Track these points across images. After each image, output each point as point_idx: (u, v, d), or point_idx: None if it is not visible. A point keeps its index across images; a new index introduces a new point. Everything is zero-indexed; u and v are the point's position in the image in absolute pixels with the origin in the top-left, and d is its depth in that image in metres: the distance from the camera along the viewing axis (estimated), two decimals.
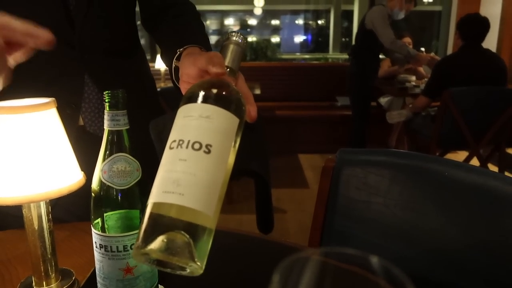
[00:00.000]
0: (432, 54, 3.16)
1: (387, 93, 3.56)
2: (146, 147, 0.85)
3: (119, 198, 0.50)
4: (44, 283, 0.54)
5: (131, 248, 0.49)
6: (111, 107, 0.48)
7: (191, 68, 0.58)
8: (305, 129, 3.86)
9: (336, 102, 4.01)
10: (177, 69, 0.66)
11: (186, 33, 0.80)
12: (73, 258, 0.64)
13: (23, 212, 0.53)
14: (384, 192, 0.89)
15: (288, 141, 3.86)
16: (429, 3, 6.75)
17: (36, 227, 0.53)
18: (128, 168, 0.49)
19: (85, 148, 0.64)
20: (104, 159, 0.48)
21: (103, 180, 0.48)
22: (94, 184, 0.49)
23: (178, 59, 0.67)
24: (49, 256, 0.55)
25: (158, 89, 2.33)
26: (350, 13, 7.39)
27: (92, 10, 0.81)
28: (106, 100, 0.48)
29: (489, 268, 0.77)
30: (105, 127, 0.49)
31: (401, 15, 3.10)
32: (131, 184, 0.49)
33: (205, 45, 0.72)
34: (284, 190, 3.01)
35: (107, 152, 0.48)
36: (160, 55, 0.86)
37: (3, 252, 0.68)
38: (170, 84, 2.46)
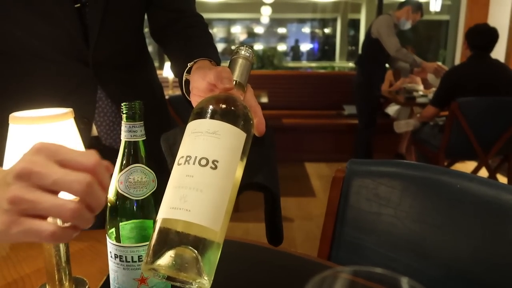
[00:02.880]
0: (438, 63, 3.16)
1: (395, 103, 3.56)
2: (159, 156, 0.85)
3: (135, 208, 0.50)
4: None
5: None
6: (128, 119, 0.49)
7: (201, 82, 0.59)
8: (312, 138, 3.86)
9: (343, 111, 4.01)
10: (187, 81, 0.68)
11: (196, 46, 0.80)
12: (85, 267, 0.64)
13: None
14: (395, 203, 0.89)
15: (294, 149, 3.86)
16: (436, 13, 6.76)
17: None
18: (145, 178, 0.49)
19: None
20: (120, 170, 0.49)
21: (119, 191, 0.49)
22: (110, 194, 0.50)
23: (189, 72, 0.68)
24: (64, 264, 0.55)
25: (167, 97, 2.34)
26: (357, 22, 7.41)
27: (106, 27, 0.82)
28: (124, 112, 0.49)
29: (500, 282, 0.77)
30: (122, 138, 0.50)
31: (408, 25, 3.11)
32: (147, 195, 0.50)
33: (215, 58, 0.74)
34: (291, 199, 3.00)
35: (124, 162, 0.49)
36: (170, 67, 0.87)
37: (17, 261, 0.69)
38: (178, 92, 2.48)
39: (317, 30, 8.72)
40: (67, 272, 0.56)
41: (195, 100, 0.61)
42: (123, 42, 0.89)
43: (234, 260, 0.71)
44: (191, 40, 0.84)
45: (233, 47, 8.18)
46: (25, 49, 0.81)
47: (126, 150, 0.49)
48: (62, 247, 0.54)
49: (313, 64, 7.95)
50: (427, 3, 5.41)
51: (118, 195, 0.49)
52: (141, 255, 0.49)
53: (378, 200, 0.91)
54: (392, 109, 3.63)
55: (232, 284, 0.64)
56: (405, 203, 0.88)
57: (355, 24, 7.69)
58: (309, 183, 3.35)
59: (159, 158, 0.73)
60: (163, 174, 0.52)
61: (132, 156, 0.49)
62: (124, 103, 0.49)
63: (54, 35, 0.80)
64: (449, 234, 0.83)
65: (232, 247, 0.77)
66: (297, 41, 8.54)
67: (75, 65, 0.82)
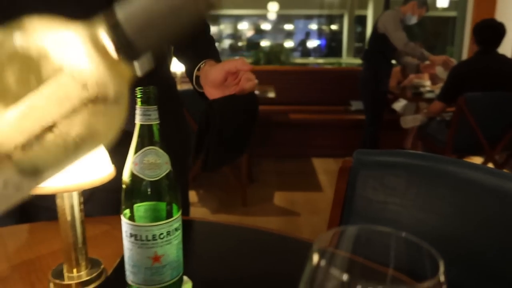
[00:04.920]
0: (446, 56, 3.15)
1: (401, 98, 3.56)
2: (172, 140, 0.89)
3: (149, 190, 0.52)
4: (74, 270, 0.57)
5: (159, 238, 0.52)
6: (143, 103, 0.51)
7: (217, 75, 0.76)
8: (319, 133, 3.87)
9: (350, 106, 4.02)
10: (197, 77, 0.85)
11: (205, 48, 0.93)
12: (100, 250, 0.67)
13: (57, 202, 0.55)
14: (401, 192, 0.90)
15: (301, 145, 3.87)
16: (443, 9, 6.72)
17: (69, 217, 0.56)
18: (158, 161, 0.51)
19: (116, 144, 0.67)
20: (135, 152, 0.51)
21: (134, 172, 0.51)
22: (126, 176, 0.52)
23: (198, 69, 0.84)
24: (80, 245, 0.57)
25: None
26: (364, 18, 7.38)
27: None
28: (138, 96, 0.51)
29: (506, 269, 0.78)
30: (136, 122, 0.52)
31: (414, 20, 3.10)
32: (160, 176, 0.52)
33: (217, 58, 0.89)
34: (298, 194, 3.02)
35: (139, 145, 0.51)
36: (175, 52, 0.99)
37: (33, 243, 0.71)
38: (185, 87, 2.49)
39: (324, 27, 8.70)
40: (83, 252, 0.58)
41: (209, 91, 0.78)
42: None
43: (246, 246, 0.73)
44: (199, 39, 0.95)
45: (240, 44, 8.19)
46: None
47: (140, 133, 0.51)
48: (78, 228, 0.57)
49: (320, 61, 7.94)
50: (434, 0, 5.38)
51: (133, 176, 0.51)
52: (155, 234, 0.51)
53: (384, 189, 0.92)
54: (398, 105, 3.63)
55: (244, 267, 0.66)
56: (411, 192, 0.89)
57: (362, 20, 7.66)
58: (316, 178, 3.36)
59: (174, 144, 0.77)
60: (177, 162, 0.55)
61: (147, 139, 0.51)
62: (138, 88, 0.50)
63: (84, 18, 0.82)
64: (454, 223, 0.84)
65: (245, 233, 0.79)
66: (304, 38, 8.53)
67: None
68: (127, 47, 0.23)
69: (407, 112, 3.42)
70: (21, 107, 0.22)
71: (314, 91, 4.17)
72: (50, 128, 0.22)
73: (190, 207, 1.11)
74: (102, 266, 0.60)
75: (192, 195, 2.97)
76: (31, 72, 0.22)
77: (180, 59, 0.97)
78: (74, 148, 0.23)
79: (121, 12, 0.23)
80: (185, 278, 0.59)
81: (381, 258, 0.24)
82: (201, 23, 1.01)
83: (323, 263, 0.22)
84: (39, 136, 0.22)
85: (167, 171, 0.52)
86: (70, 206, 0.56)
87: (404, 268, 0.24)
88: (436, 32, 7.60)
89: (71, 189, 0.53)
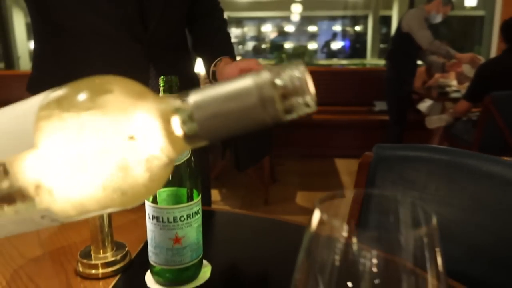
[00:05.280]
0: (473, 53, 3.08)
1: (427, 98, 3.51)
2: None
3: (171, 175, 0.55)
4: (101, 251, 0.60)
5: (180, 220, 0.54)
6: (165, 91, 0.53)
7: (233, 69, 0.83)
8: (342, 134, 3.85)
9: (373, 107, 3.98)
10: (213, 72, 0.94)
11: (221, 45, 0.99)
12: (126, 235, 0.69)
13: None
14: (420, 187, 0.90)
15: (324, 145, 3.86)
16: (471, 8, 6.57)
17: None
18: None
19: None
20: None
21: None
22: None
23: (215, 65, 0.93)
24: (106, 227, 0.60)
25: None
26: (389, 18, 7.30)
27: (164, 15, 0.89)
28: (161, 85, 0.53)
29: None
30: None
31: (439, 19, 3.05)
32: (181, 161, 0.54)
33: (233, 54, 0.97)
34: (320, 194, 3.00)
35: None
36: (193, 47, 1.06)
37: (64, 229, 0.75)
38: None
39: (348, 28, 8.64)
40: (109, 234, 0.61)
41: None
42: (175, 27, 0.97)
43: (262, 234, 0.75)
44: (218, 40, 1.01)
45: (263, 46, 8.22)
46: (86, 24, 0.87)
47: None
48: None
49: (344, 62, 7.89)
50: None
51: None
52: (176, 216, 0.54)
53: (403, 183, 0.92)
54: (423, 106, 3.57)
55: (260, 254, 0.68)
56: (431, 186, 0.89)
57: (386, 20, 7.57)
58: (339, 179, 3.35)
59: None
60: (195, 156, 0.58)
61: None
62: (161, 77, 0.53)
63: (116, 15, 0.86)
64: (475, 217, 0.83)
65: (260, 222, 0.81)
66: (328, 40, 8.50)
67: (130, 43, 0.88)
68: (192, 137, 0.25)
69: (432, 112, 3.37)
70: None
71: (338, 92, 4.16)
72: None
73: (212, 205, 1.14)
74: (126, 249, 0.63)
75: (215, 194, 3.01)
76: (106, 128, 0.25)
77: (198, 54, 1.01)
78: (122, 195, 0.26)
79: (195, 105, 0.25)
80: (204, 261, 0.61)
81: (380, 220, 0.26)
82: (219, 8, 1.05)
83: (323, 223, 0.24)
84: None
85: (187, 157, 0.54)
86: None
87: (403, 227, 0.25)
88: (464, 32, 7.44)
89: None
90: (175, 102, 0.25)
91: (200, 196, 0.57)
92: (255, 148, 0.90)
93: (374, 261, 0.24)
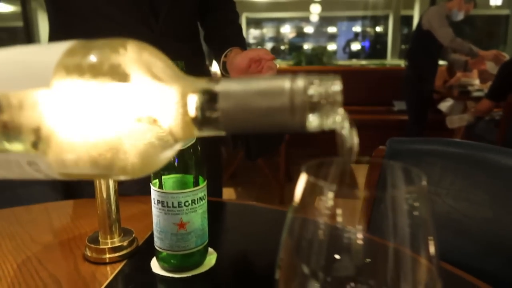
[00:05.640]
0: (497, 50, 2.99)
1: (448, 97, 3.43)
2: None
3: (176, 160, 0.55)
4: (108, 237, 0.61)
5: (184, 205, 0.54)
6: None
7: (242, 61, 0.84)
8: (360, 133, 3.77)
9: (392, 107, 3.92)
10: (223, 63, 0.94)
11: (232, 36, 0.99)
12: (134, 224, 0.70)
13: None
14: (435, 181, 0.88)
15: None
16: (496, 7, 6.41)
17: (104, 186, 0.60)
18: None
19: None
20: None
21: None
22: None
23: (225, 56, 0.94)
24: (114, 212, 0.61)
25: None
26: (410, 18, 7.19)
27: (176, 4, 0.90)
28: None
29: None
30: None
31: (461, 16, 2.98)
32: (186, 146, 0.54)
33: (244, 45, 0.97)
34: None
35: None
36: (205, 39, 1.06)
37: (75, 216, 0.77)
38: None
39: (368, 29, 8.54)
40: (116, 220, 0.62)
41: (234, 76, 0.87)
42: (186, 18, 0.97)
43: (269, 224, 0.75)
44: (229, 28, 1.01)
45: (282, 47, 8.20)
46: (98, 12, 0.87)
47: None
48: (112, 196, 0.60)
49: (364, 62, 7.80)
50: None
51: None
52: (181, 201, 0.54)
53: None
54: (444, 105, 3.50)
55: (267, 243, 0.68)
56: (445, 180, 0.87)
57: (408, 21, 7.46)
58: (354, 179, 3.30)
59: None
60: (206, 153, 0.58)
61: None
62: None
63: (126, 2, 0.87)
64: (490, 211, 0.81)
65: (269, 213, 0.80)
66: (347, 40, 8.42)
67: (141, 31, 0.89)
68: (208, 124, 0.24)
69: (454, 112, 3.30)
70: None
71: (356, 91, 4.11)
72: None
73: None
74: (133, 235, 0.63)
75: (230, 192, 3.02)
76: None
77: (210, 45, 1.01)
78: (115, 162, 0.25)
79: (224, 92, 0.24)
80: (210, 249, 0.61)
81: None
82: (231, 9, 1.05)
83: (309, 189, 0.23)
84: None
85: (192, 142, 0.55)
86: None
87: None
88: (488, 31, 7.27)
89: None
90: (203, 83, 0.25)
91: (205, 182, 0.57)
92: (267, 137, 0.89)
93: (359, 236, 0.24)
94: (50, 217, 0.76)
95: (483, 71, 3.20)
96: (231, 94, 0.24)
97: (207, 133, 0.25)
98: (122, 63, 0.24)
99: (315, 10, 7.23)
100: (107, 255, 0.59)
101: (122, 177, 0.27)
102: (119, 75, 0.24)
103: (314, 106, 0.23)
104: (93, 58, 0.24)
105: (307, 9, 7.21)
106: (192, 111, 0.25)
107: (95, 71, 0.24)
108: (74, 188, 0.90)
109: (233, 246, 0.66)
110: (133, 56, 0.25)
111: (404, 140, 0.96)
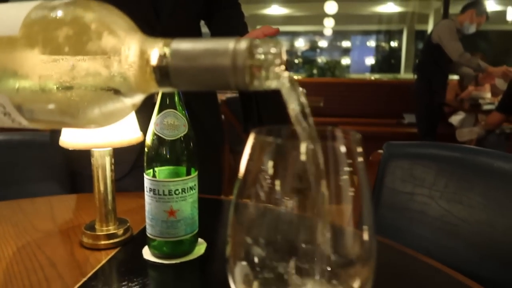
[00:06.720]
0: (505, 66, 2.98)
1: (459, 111, 3.42)
2: (205, 124, 0.95)
3: (168, 150, 0.58)
4: (104, 225, 0.63)
5: (175, 193, 0.57)
6: None
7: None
8: (370, 146, 3.79)
9: (403, 119, 3.92)
10: None
11: (235, 24, 1.01)
12: (131, 215, 0.73)
13: (92, 161, 0.63)
14: (429, 183, 0.89)
15: None
16: None
17: (101, 175, 0.63)
18: (177, 122, 0.57)
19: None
20: (157, 114, 0.57)
21: (155, 131, 0.57)
22: (148, 138, 0.58)
23: None
24: (110, 202, 0.64)
25: (224, 98, 2.47)
26: (424, 33, 7.19)
27: (176, 11, 0.93)
28: None
29: None
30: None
31: (473, 29, 2.98)
32: (177, 137, 0.57)
33: (247, 32, 0.94)
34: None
35: (160, 108, 0.57)
36: (212, 33, 1.06)
37: (76, 208, 0.80)
38: (235, 94, 2.58)
39: (382, 43, 8.56)
40: (112, 210, 0.64)
41: None
42: (190, 19, 1.00)
43: None
44: (235, 27, 1.02)
45: (296, 61, 8.26)
46: None
47: (162, 97, 0.57)
48: (109, 185, 0.63)
49: (377, 76, 7.81)
50: (504, 12, 5.13)
51: (154, 135, 0.57)
52: (171, 190, 0.57)
53: (412, 181, 0.91)
54: (455, 119, 3.48)
55: None
56: (439, 183, 0.88)
57: (422, 35, 7.46)
58: None
59: (204, 126, 0.83)
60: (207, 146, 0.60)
61: (167, 103, 0.57)
62: None
63: (129, 1, 0.91)
64: (484, 214, 0.81)
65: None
66: (361, 55, 8.45)
67: (143, 27, 0.92)
68: (161, 80, 0.27)
69: (464, 125, 3.28)
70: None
71: (367, 104, 4.12)
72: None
73: (228, 196, 1.17)
74: (128, 224, 0.66)
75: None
76: (82, 36, 0.27)
77: (213, 31, 1.04)
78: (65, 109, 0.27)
79: (175, 50, 0.26)
80: (200, 239, 0.63)
81: None
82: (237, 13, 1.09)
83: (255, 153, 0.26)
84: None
85: (184, 133, 0.57)
86: (103, 165, 0.62)
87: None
88: (505, 47, 7.21)
89: (103, 146, 0.60)
90: (158, 42, 0.27)
91: (196, 173, 0.59)
92: (279, 117, 0.90)
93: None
94: (52, 208, 0.80)
95: (494, 85, 3.18)
96: (181, 51, 0.26)
97: (164, 88, 0.27)
98: (85, 16, 0.27)
99: (329, 24, 7.28)
100: (102, 242, 0.62)
101: (88, 125, 0.29)
102: (80, 25, 0.27)
103: (257, 66, 0.25)
104: (59, 11, 0.27)
105: (321, 23, 7.27)
106: (146, 65, 0.27)
107: (60, 20, 0.26)
108: (81, 185, 0.93)
109: (223, 239, 0.68)
110: (96, 9, 0.27)
111: (400, 143, 0.98)
